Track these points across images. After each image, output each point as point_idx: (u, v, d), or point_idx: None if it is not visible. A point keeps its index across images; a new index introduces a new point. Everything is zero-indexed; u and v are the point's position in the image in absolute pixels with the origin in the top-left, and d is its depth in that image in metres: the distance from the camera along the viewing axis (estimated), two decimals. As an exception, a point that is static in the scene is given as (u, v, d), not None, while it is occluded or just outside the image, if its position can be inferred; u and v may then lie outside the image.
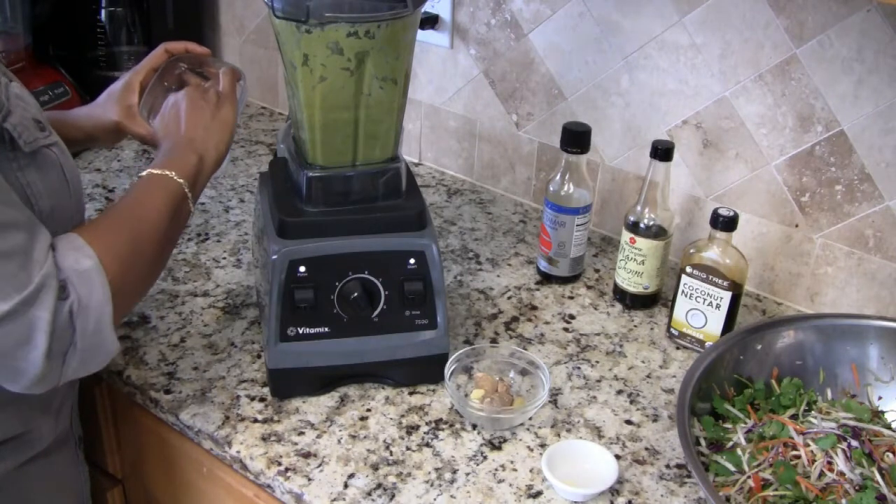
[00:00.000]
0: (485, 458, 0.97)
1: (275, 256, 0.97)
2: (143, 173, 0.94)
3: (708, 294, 1.09)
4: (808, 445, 0.91)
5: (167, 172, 0.93)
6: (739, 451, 0.93)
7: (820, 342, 1.03)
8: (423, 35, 1.48)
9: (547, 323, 1.19)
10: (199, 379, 1.06)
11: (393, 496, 0.91)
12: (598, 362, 1.12)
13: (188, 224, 1.37)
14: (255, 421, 1.00)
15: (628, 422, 1.03)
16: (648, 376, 1.10)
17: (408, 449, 0.97)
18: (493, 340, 1.15)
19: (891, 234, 1.14)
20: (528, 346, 1.14)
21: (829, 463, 0.89)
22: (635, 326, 1.20)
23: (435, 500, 0.91)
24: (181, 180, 0.94)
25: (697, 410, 0.96)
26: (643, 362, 1.13)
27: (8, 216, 0.77)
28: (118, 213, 0.90)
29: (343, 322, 1.00)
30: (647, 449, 0.99)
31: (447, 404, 1.03)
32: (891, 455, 0.91)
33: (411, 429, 1.00)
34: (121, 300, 0.84)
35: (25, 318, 0.76)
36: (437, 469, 0.95)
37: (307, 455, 0.96)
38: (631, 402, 1.06)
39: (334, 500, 0.90)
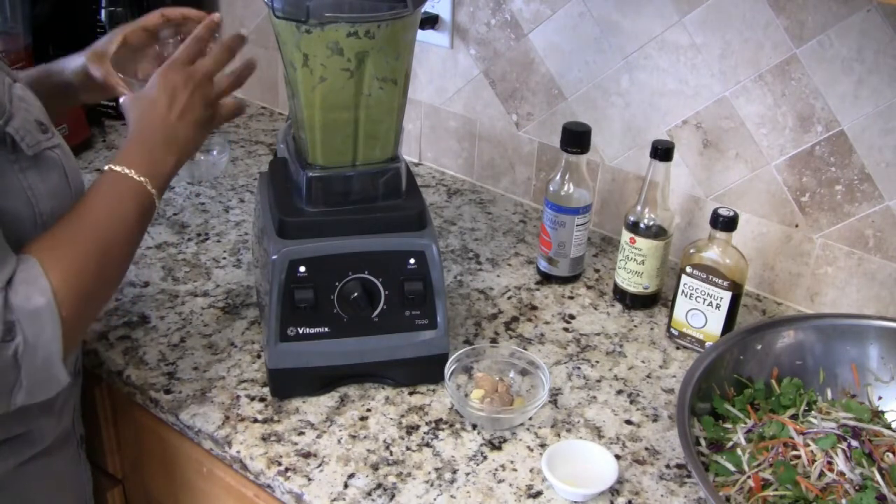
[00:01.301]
0: (485, 458, 0.97)
1: (275, 256, 0.97)
2: (116, 167, 0.89)
3: (708, 294, 1.09)
4: (808, 445, 0.91)
5: (140, 178, 0.88)
6: (739, 451, 0.93)
7: (820, 342, 1.03)
8: (423, 35, 1.48)
9: (547, 323, 1.19)
10: (199, 379, 1.06)
11: (393, 496, 0.91)
12: (598, 362, 1.12)
13: (186, 224, 1.37)
14: (255, 421, 1.00)
15: (628, 422, 1.03)
16: (648, 376, 1.10)
17: (408, 449, 0.97)
18: (493, 340, 1.15)
19: (891, 234, 1.14)
20: (528, 346, 1.14)
21: (829, 463, 0.89)
22: (635, 326, 1.20)
23: (435, 500, 0.91)
24: (154, 190, 0.90)
25: (697, 410, 0.96)
26: (643, 362, 1.13)
27: None
28: (86, 228, 0.85)
29: (343, 322, 1.00)
30: (647, 449, 0.99)
31: (447, 404, 1.03)
32: (891, 455, 0.91)
33: (411, 429, 1.00)
34: (75, 332, 0.83)
35: None
36: (437, 469, 0.95)
37: (307, 455, 0.96)
38: (631, 402, 1.06)
39: (334, 500, 0.90)
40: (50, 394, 0.83)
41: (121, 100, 0.98)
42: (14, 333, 0.77)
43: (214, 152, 1.53)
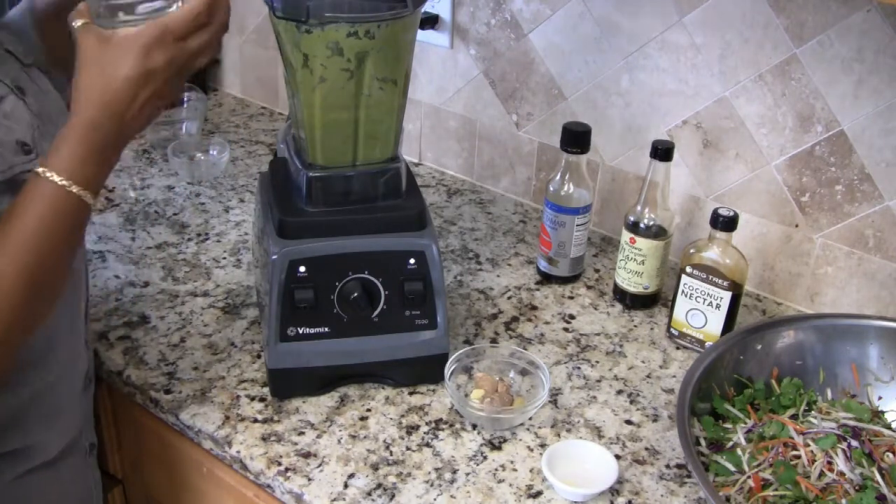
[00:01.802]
0: (485, 458, 0.97)
1: (275, 256, 0.97)
2: (42, 171, 0.75)
3: (708, 294, 1.09)
4: (808, 445, 0.91)
5: (77, 191, 0.75)
6: (739, 451, 0.93)
7: (820, 342, 1.03)
8: (423, 35, 1.48)
9: (547, 323, 1.19)
10: (199, 379, 1.06)
11: (393, 496, 0.91)
12: (598, 362, 1.12)
13: (186, 224, 1.37)
14: (255, 421, 1.00)
15: (628, 422, 1.03)
16: (648, 376, 1.10)
17: (408, 449, 0.97)
18: (493, 340, 1.15)
19: (891, 234, 1.14)
20: (528, 346, 1.14)
21: (829, 463, 0.89)
22: (635, 326, 1.20)
23: (435, 500, 0.91)
24: (91, 199, 0.76)
25: (697, 410, 0.96)
26: (643, 362, 1.13)
27: None
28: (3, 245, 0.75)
29: (343, 322, 1.00)
30: (647, 449, 0.99)
31: (447, 404, 1.03)
32: (891, 455, 0.91)
33: (411, 429, 1.00)
34: None
35: None
36: (437, 469, 0.95)
37: (307, 455, 0.96)
38: (631, 402, 1.06)
39: (334, 500, 0.90)
40: None
41: (75, 24, 0.78)
42: None
43: (214, 152, 1.53)
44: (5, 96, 0.82)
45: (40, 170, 0.75)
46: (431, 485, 0.93)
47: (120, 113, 0.76)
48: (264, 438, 0.97)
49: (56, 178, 0.75)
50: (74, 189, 0.75)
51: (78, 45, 0.77)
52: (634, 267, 1.19)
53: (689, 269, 1.10)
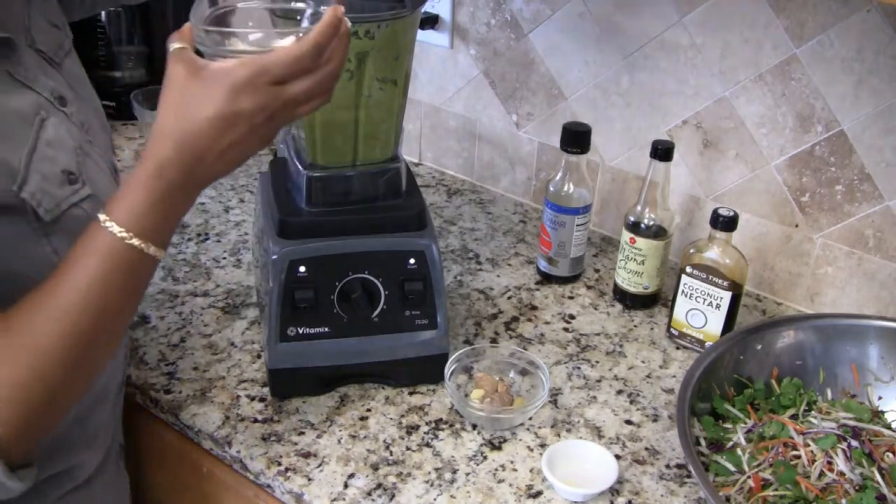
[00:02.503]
0: (485, 458, 0.97)
1: (275, 256, 0.97)
2: (103, 221, 0.68)
3: (708, 294, 1.09)
4: (808, 445, 0.91)
5: (138, 244, 0.68)
6: (739, 451, 0.93)
7: (820, 342, 1.03)
8: (423, 35, 1.48)
9: (547, 323, 1.19)
10: (199, 379, 1.06)
11: (393, 496, 0.91)
12: (598, 362, 1.12)
13: (186, 224, 1.37)
14: (255, 421, 1.00)
15: (628, 422, 1.03)
16: (648, 376, 1.10)
17: (408, 449, 0.97)
18: (493, 340, 1.15)
19: (891, 234, 1.14)
20: (528, 346, 1.14)
21: (829, 463, 0.89)
22: (635, 326, 1.20)
23: (435, 500, 0.91)
24: (155, 251, 0.69)
25: (697, 410, 0.96)
26: (643, 362, 1.13)
27: None
28: (49, 310, 0.67)
29: (343, 322, 1.00)
30: (647, 449, 0.99)
31: (447, 404, 1.03)
32: (891, 455, 0.91)
33: (411, 429, 1.00)
34: (28, 442, 0.69)
35: None
36: (437, 469, 0.95)
37: (307, 455, 0.96)
38: (631, 402, 1.06)
39: (334, 500, 0.90)
40: (9, 495, 0.69)
41: (171, 47, 0.70)
42: None
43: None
44: (47, 118, 0.76)
45: (101, 217, 0.68)
46: (431, 485, 0.93)
47: (196, 157, 0.68)
48: (264, 438, 0.97)
49: (115, 229, 0.67)
50: (135, 242, 0.68)
51: (167, 73, 0.69)
52: (634, 267, 1.19)
53: (689, 269, 1.10)
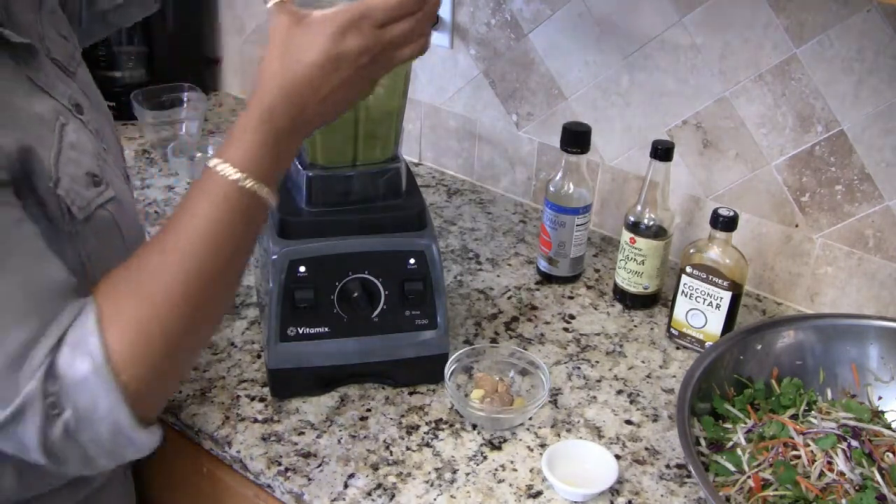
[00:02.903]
0: (485, 458, 0.97)
1: (275, 256, 0.97)
2: (215, 164, 0.69)
3: (708, 294, 1.09)
4: (808, 445, 0.91)
5: (250, 184, 0.68)
6: (739, 451, 0.93)
7: (820, 342, 1.03)
8: (423, 35, 1.47)
9: (547, 323, 1.19)
10: (199, 379, 1.06)
11: (393, 496, 0.91)
12: (598, 362, 1.12)
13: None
14: (255, 421, 1.00)
15: (628, 422, 1.03)
16: (648, 376, 1.10)
17: (408, 449, 0.97)
18: (493, 340, 1.15)
19: (891, 234, 1.14)
20: (528, 346, 1.14)
21: (829, 463, 0.89)
22: (635, 326, 1.20)
23: (435, 500, 0.91)
24: (267, 195, 0.70)
25: (697, 410, 0.96)
26: (643, 362, 1.13)
27: (15, 305, 0.65)
28: (165, 256, 0.69)
29: (343, 322, 1.00)
30: (647, 449, 0.99)
31: (447, 404, 1.03)
32: (891, 455, 0.91)
33: (411, 429, 1.00)
34: (151, 393, 0.68)
35: (12, 437, 0.66)
36: (437, 469, 0.95)
37: (307, 455, 0.96)
38: (631, 402, 1.06)
39: (334, 500, 0.90)
40: (140, 454, 0.70)
41: (269, 2, 0.72)
42: (61, 407, 0.65)
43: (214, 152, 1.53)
44: (67, 122, 0.77)
45: (212, 163, 0.69)
46: (431, 485, 0.93)
47: (301, 102, 0.70)
48: (264, 438, 0.97)
49: (230, 172, 0.68)
50: (250, 184, 0.69)
51: (270, 28, 0.71)
52: (634, 267, 1.19)
53: (689, 269, 1.10)
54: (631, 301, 1.23)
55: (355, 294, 0.98)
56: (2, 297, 0.65)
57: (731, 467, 0.91)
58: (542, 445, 0.98)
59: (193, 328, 0.70)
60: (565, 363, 1.12)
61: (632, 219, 1.18)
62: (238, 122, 0.71)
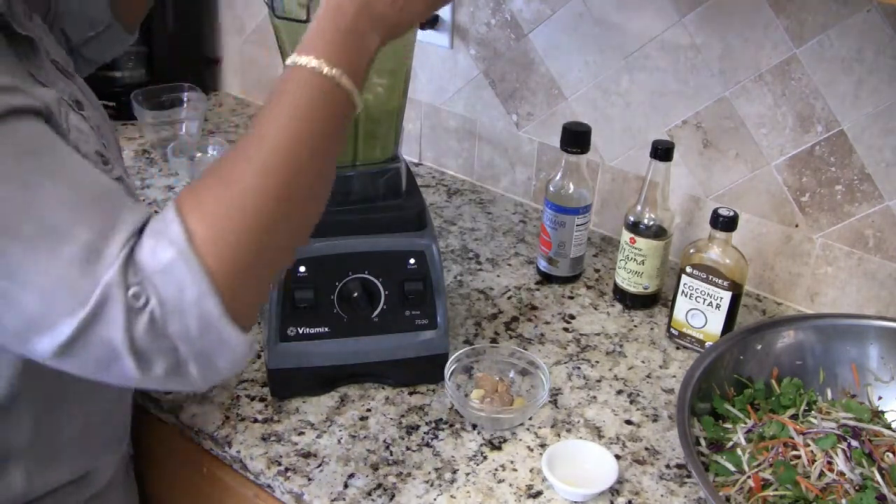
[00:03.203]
0: (485, 458, 0.97)
1: (275, 256, 0.97)
2: (296, 60, 0.69)
3: (708, 294, 1.09)
4: (808, 445, 0.91)
5: (331, 72, 0.68)
6: (739, 451, 0.93)
7: (820, 342, 1.03)
8: (423, 35, 1.48)
9: (547, 323, 1.19)
10: (199, 379, 1.06)
11: (393, 496, 0.91)
12: (598, 362, 1.12)
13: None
14: (255, 421, 1.00)
15: (628, 422, 1.03)
16: (648, 376, 1.10)
17: (408, 449, 0.97)
18: (493, 340, 1.15)
19: (891, 234, 1.14)
20: (528, 346, 1.14)
21: (829, 463, 0.89)
22: (635, 326, 1.20)
23: (435, 500, 0.91)
24: (350, 86, 0.69)
25: (697, 410, 0.96)
26: (643, 362, 1.13)
27: (75, 206, 0.63)
28: (248, 150, 0.67)
29: (343, 322, 1.00)
30: (647, 449, 0.99)
31: (447, 404, 1.03)
32: (891, 455, 0.91)
33: (411, 429, 1.00)
34: (241, 281, 0.65)
35: (96, 340, 0.62)
36: (437, 469, 0.95)
37: (307, 455, 0.96)
38: (631, 402, 1.06)
39: (334, 500, 0.90)
40: (233, 362, 0.66)
41: None
42: (145, 297, 0.62)
43: (214, 152, 1.53)
44: (68, 112, 0.77)
45: (290, 61, 0.68)
46: (431, 485, 0.93)
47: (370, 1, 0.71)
48: (264, 438, 0.97)
49: (303, 60, 0.68)
50: (326, 70, 0.68)
51: None
52: (634, 267, 1.19)
53: (689, 269, 1.10)
54: (631, 301, 1.23)
55: (355, 294, 0.98)
56: (61, 199, 0.63)
57: (731, 467, 0.91)
58: (542, 445, 0.98)
59: (279, 219, 0.67)
60: (565, 363, 1.12)
61: (632, 219, 1.18)
62: (310, 26, 0.71)
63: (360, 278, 0.99)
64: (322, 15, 0.71)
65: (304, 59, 0.68)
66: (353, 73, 0.70)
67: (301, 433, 0.99)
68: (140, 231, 0.64)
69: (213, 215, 0.64)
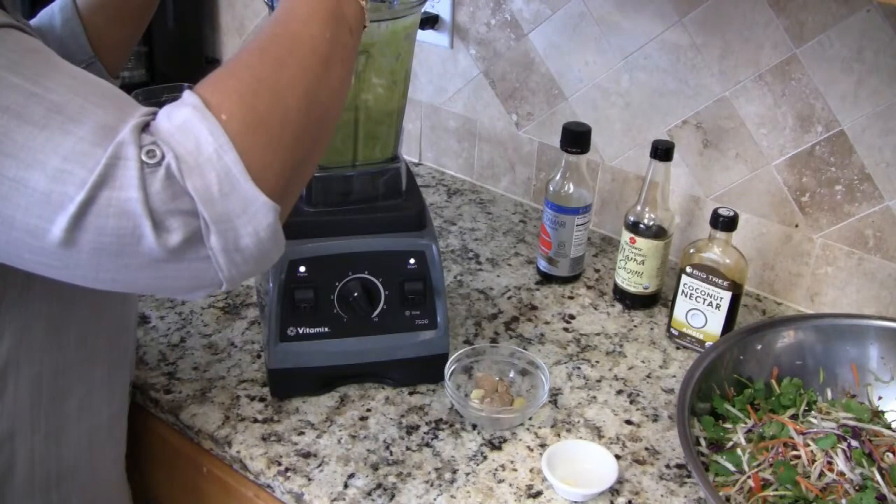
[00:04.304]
0: (485, 458, 0.97)
1: (275, 256, 0.97)
2: None
3: (708, 294, 1.09)
4: (808, 445, 0.91)
5: None
6: (739, 451, 0.93)
7: (820, 342, 1.03)
8: (423, 35, 1.48)
9: (547, 323, 1.19)
10: (199, 379, 1.06)
11: (393, 496, 0.91)
12: (598, 362, 1.12)
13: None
14: (255, 421, 1.00)
15: (628, 422, 1.03)
16: (648, 376, 1.10)
17: (408, 449, 0.97)
18: (493, 340, 1.15)
19: (891, 234, 1.14)
20: (528, 346, 1.14)
21: (829, 463, 0.89)
22: (635, 326, 1.20)
23: (435, 500, 0.91)
24: None
25: (697, 410, 0.96)
26: (643, 362, 1.13)
27: (87, 94, 0.62)
28: (262, 44, 0.67)
29: (343, 322, 1.00)
30: (647, 449, 0.99)
31: (447, 404, 1.03)
32: (891, 455, 0.91)
33: (411, 429, 1.00)
34: (260, 139, 0.63)
35: (110, 204, 0.58)
36: (437, 469, 0.95)
37: (307, 455, 0.96)
38: (631, 402, 1.06)
39: (334, 500, 0.90)
40: (257, 231, 0.63)
41: None
42: (160, 154, 0.59)
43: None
44: None
45: None
46: (431, 485, 0.93)
47: None
48: (264, 438, 0.97)
49: None
50: None
51: None
52: (634, 267, 1.19)
53: (689, 269, 1.10)
54: (631, 301, 1.23)
55: (355, 294, 0.98)
56: (72, 88, 0.62)
57: (731, 467, 0.91)
58: (542, 445, 0.98)
59: (287, 83, 0.66)
60: (565, 363, 1.12)
61: (632, 219, 1.18)
62: None
63: (360, 278, 0.99)
64: None
65: None
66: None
67: (301, 433, 0.98)
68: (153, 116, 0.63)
69: (222, 82, 0.64)
